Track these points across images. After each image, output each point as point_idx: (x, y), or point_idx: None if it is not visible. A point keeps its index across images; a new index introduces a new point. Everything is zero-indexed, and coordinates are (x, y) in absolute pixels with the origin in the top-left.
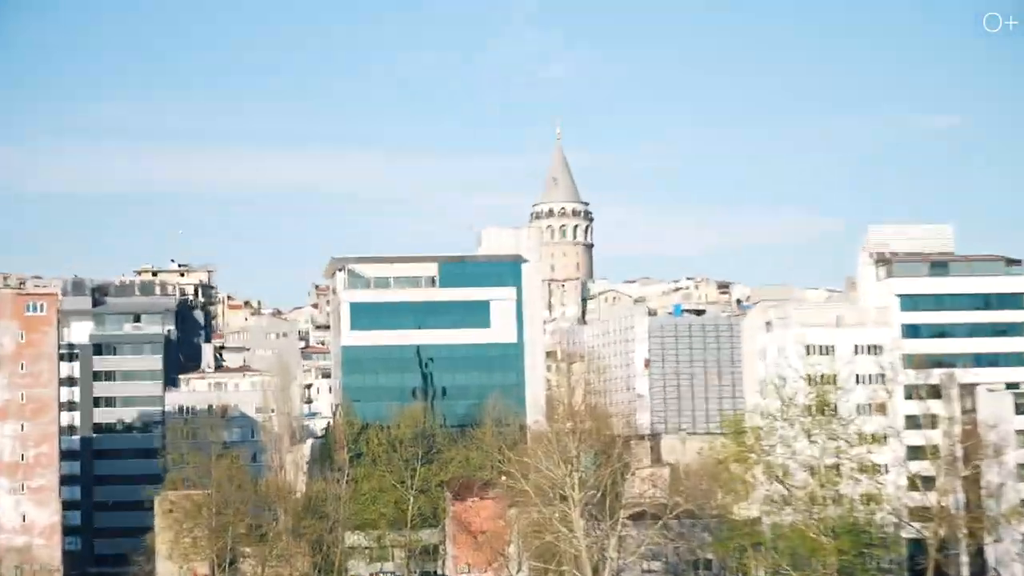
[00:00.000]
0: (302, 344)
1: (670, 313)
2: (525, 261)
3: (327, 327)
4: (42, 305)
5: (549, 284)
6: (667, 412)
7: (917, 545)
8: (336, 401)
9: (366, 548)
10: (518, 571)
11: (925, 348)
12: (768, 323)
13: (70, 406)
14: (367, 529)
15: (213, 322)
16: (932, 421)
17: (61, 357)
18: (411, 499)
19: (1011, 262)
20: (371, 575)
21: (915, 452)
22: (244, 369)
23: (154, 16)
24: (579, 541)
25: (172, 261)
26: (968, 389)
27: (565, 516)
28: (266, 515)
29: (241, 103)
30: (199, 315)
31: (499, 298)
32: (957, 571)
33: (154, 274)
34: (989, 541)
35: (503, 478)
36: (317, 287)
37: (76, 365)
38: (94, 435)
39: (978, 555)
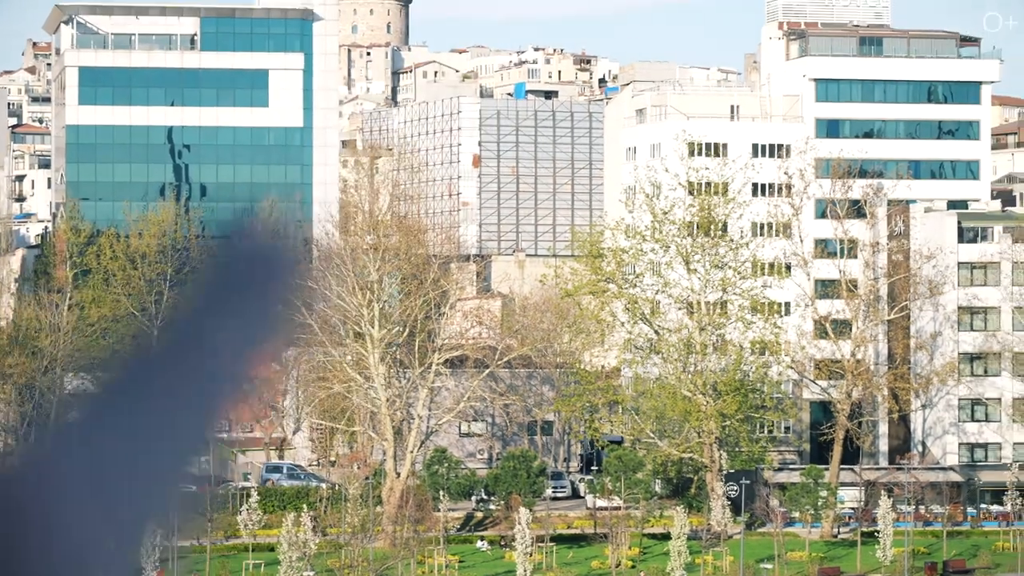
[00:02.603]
0: (12, 122)
1: (509, 94)
2: (318, 19)
3: (47, 99)
4: None
5: (349, 51)
6: (500, 226)
7: (823, 409)
8: (57, 199)
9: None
10: (295, 431)
11: (847, 151)
12: (640, 112)
13: None
14: (95, 372)
15: None
16: (851, 248)
17: None
18: (154, 333)
19: (965, 41)
20: None
21: (826, 288)
22: None
23: None
24: (378, 393)
25: None
26: (900, 207)
27: (360, 360)
28: None
29: None
30: None
31: (281, 67)
32: (873, 444)
33: None
34: (916, 407)
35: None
36: (35, 44)
37: None
38: None
39: (901, 424)
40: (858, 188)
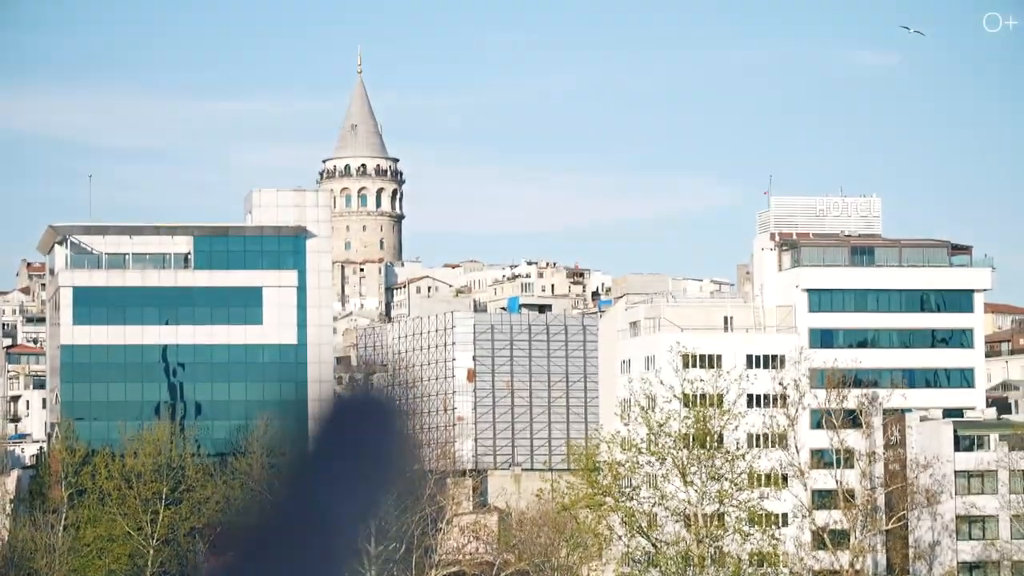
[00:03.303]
0: (7, 342)
1: (503, 309)
2: (311, 236)
3: (42, 319)
4: None
5: (343, 267)
6: (496, 440)
7: None
8: (52, 420)
9: None
10: None
11: (841, 361)
12: (634, 324)
13: None
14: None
15: None
16: (847, 458)
17: None
18: (151, 552)
19: (957, 249)
20: None
21: (823, 498)
22: None
23: None
24: None
25: None
26: (895, 417)
27: None
28: None
29: None
30: None
31: (274, 284)
32: None
33: None
34: None
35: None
36: (29, 265)
37: None
38: None
39: None
40: (853, 398)
